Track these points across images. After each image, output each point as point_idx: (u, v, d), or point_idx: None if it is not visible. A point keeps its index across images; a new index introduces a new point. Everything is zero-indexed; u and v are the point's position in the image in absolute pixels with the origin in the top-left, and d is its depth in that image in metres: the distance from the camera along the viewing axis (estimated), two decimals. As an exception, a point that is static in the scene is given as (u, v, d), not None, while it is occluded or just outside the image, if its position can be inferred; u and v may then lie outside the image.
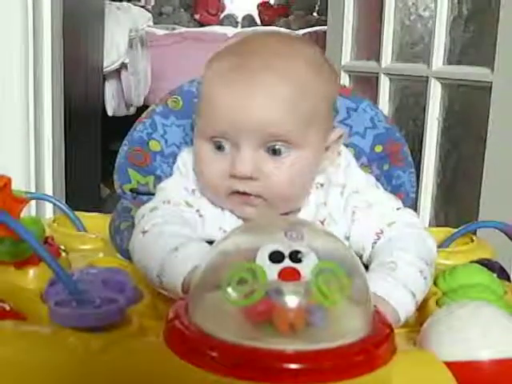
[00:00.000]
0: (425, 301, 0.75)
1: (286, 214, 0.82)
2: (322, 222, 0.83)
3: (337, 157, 0.86)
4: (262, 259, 0.52)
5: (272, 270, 0.52)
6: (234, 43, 0.84)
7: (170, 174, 0.91)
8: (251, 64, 0.77)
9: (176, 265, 0.70)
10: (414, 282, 0.73)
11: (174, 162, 0.91)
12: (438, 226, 1.78)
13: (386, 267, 0.74)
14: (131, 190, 0.96)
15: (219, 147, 0.79)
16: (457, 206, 1.80)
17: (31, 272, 0.75)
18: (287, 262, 0.52)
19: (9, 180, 0.59)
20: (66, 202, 1.85)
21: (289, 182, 0.79)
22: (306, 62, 0.79)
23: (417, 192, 1.76)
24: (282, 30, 3.61)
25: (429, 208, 1.82)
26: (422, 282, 0.74)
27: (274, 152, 0.78)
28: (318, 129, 0.80)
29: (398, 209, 0.84)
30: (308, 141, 0.79)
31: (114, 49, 2.49)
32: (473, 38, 1.72)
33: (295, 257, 0.52)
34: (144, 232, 0.77)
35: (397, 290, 0.71)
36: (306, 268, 0.52)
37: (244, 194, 0.79)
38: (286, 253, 0.53)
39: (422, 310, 0.74)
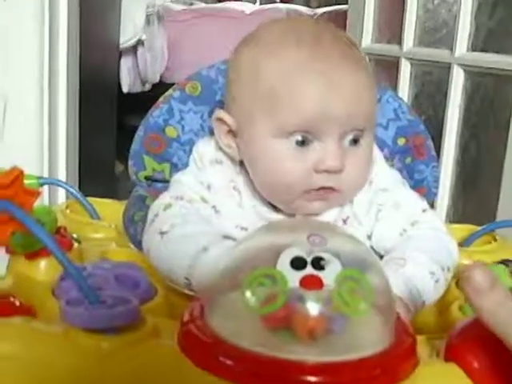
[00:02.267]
0: (446, 305, 0.73)
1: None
2: (345, 221, 0.81)
3: None
4: (284, 265, 0.50)
5: (293, 277, 0.49)
6: (277, 28, 0.80)
7: (187, 162, 0.88)
8: (329, 55, 0.74)
9: (207, 265, 0.68)
10: (421, 281, 0.71)
11: (191, 150, 0.89)
12: (455, 218, 1.77)
13: (394, 262, 0.72)
14: (146, 178, 0.94)
15: (302, 142, 0.75)
16: (476, 197, 1.77)
17: (42, 263, 0.73)
18: (309, 270, 0.50)
19: (21, 172, 0.57)
20: (80, 179, 1.85)
21: (366, 170, 0.79)
22: (358, 48, 0.80)
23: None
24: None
25: (447, 198, 1.80)
26: (431, 285, 0.72)
27: (355, 142, 0.76)
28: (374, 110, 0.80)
29: (424, 210, 0.82)
30: (374, 126, 0.80)
31: (131, 25, 2.47)
32: (499, 25, 1.68)
33: (318, 264, 0.50)
34: (162, 233, 0.74)
35: (403, 286, 0.69)
36: (328, 276, 0.50)
37: (323, 188, 0.76)
38: (309, 259, 0.50)
39: (443, 316, 0.72)
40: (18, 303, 0.64)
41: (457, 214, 1.79)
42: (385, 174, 0.84)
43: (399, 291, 0.68)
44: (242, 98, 0.79)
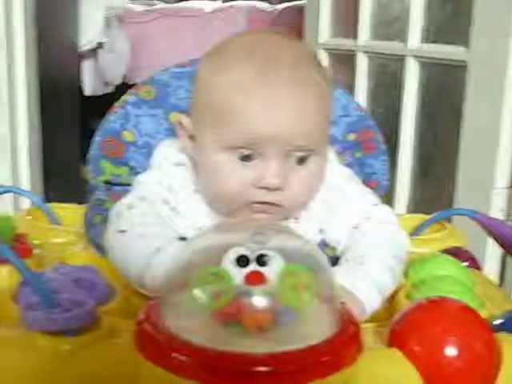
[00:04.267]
0: (394, 293, 0.76)
1: None
2: (297, 218, 0.83)
3: None
4: (228, 263, 0.53)
5: (238, 274, 0.52)
6: (237, 42, 0.81)
7: (145, 165, 0.90)
8: (281, 71, 0.75)
9: (158, 266, 0.70)
10: (381, 277, 0.74)
11: (148, 153, 0.91)
12: (414, 207, 1.80)
13: (355, 261, 0.75)
14: (105, 182, 0.96)
15: (246, 157, 0.76)
16: (434, 187, 1.81)
17: (3, 271, 0.75)
18: (253, 266, 0.53)
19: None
20: (45, 185, 1.85)
21: (310, 189, 0.80)
22: (318, 67, 0.79)
23: (394, 172, 1.78)
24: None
25: (406, 188, 1.83)
26: (390, 279, 0.75)
27: (300, 161, 0.77)
28: (328, 132, 0.82)
29: (374, 204, 0.85)
30: (324, 146, 0.80)
31: (91, 28, 2.46)
32: (449, 17, 1.72)
33: (261, 260, 0.53)
34: (122, 232, 0.76)
35: (364, 284, 0.72)
36: (272, 271, 0.52)
37: (266, 203, 0.77)
38: (252, 256, 0.53)
39: (391, 303, 0.75)
40: (-22, 310, 0.65)
41: (415, 204, 1.82)
42: (335, 171, 0.87)
43: (359, 290, 0.71)
44: (197, 107, 0.81)
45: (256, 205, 0.77)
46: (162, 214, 0.81)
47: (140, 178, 0.87)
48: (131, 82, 2.83)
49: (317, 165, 0.79)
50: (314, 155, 0.78)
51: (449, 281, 0.73)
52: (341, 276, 0.70)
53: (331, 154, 0.89)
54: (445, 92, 1.76)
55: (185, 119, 0.83)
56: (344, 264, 0.77)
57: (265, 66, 0.75)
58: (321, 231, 0.84)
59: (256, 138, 0.74)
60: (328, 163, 0.85)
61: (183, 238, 0.77)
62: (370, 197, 0.87)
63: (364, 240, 0.80)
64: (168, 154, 0.87)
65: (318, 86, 0.77)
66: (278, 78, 0.74)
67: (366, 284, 0.72)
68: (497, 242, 0.91)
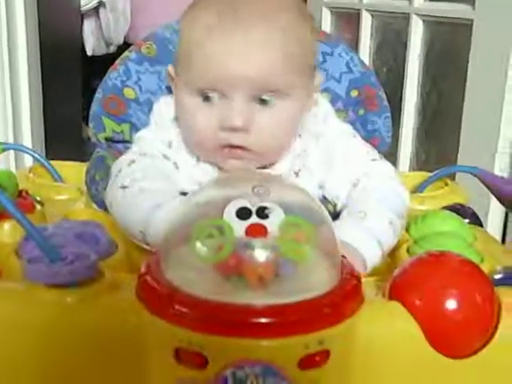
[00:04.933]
0: (396, 249, 0.76)
1: (264, 166, 0.83)
2: (297, 173, 0.83)
3: (314, 106, 0.86)
4: (230, 216, 0.53)
5: (239, 227, 0.52)
6: None
7: (146, 122, 0.90)
8: (244, 14, 0.75)
9: (161, 220, 0.70)
10: (382, 232, 0.74)
11: (149, 110, 0.91)
12: (418, 166, 1.80)
13: (356, 216, 0.76)
14: (106, 139, 0.96)
15: (209, 98, 0.77)
16: (437, 146, 1.81)
17: (6, 226, 0.75)
18: (254, 219, 0.53)
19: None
20: (47, 146, 1.85)
21: (279, 132, 0.79)
22: (295, 11, 0.79)
23: (397, 131, 1.78)
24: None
25: (409, 147, 1.83)
26: (391, 234, 0.75)
27: (264, 102, 0.77)
28: (305, 77, 0.80)
29: (374, 160, 0.85)
30: (296, 90, 0.79)
31: (91, -14, 2.44)
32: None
33: (262, 213, 0.53)
34: (124, 187, 0.77)
35: (364, 238, 0.72)
36: (272, 224, 0.52)
37: (234, 147, 0.78)
38: (253, 209, 0.53)
39: (393, 258, 0.75)
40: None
41: (419, 162, 1.82)
42: (335, 127, 0.87)
43: (360, 244, 0.71)
44: (177, 56, 0.84)
45: (226, 149, 0.78)
46: (163, 168, 0.81)
47: (140, 134, 0.88)
48: (133, 42, 2.81)
49: (286, 109, 0.79)
50: (282, 99, 0.78)
51: (450, 236, 0.73)
52: (341, 231, 0.70)
53: (329, 110, 0.89)
54: (450, 51, 1.75)
55: (171, 69, 0.84)
56: (344, 219, 0.77)
57: (227, 7, 0.76)
58: (320, 187, 0.84)
59: (217, 78, 0.76)
60: (326, 118, 0.86)
61: (184, 193, 0.77)
62: (370, 152, 0.86)
63: (364, 195, 0.80)
64: (166, 110, 0.87)
65: (293, 28, 0.77)
66: (244, 18, 0.75)
67: (367, 238, 0.72)
68: (498, 199, 0.91)
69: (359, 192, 0.81)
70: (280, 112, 0.78)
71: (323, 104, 0.88)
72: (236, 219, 0.53)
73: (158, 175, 0.79)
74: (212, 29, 0.75)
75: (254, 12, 0.76)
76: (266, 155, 0.81)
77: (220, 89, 0.76)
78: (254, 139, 0.77)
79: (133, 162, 0.81)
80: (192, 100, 0.79)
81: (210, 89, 0.77)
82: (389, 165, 0.85)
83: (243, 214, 0.53)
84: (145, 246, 0.74)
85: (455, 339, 0.57)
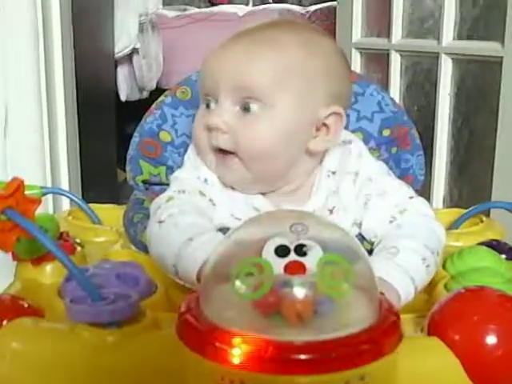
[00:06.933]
0: (433, 285, 0.76)
1: (291, 201, 0.84)
2: (331, 211, 0.84)
3: (347, 145, 0.88)
4: (268, 253, 0.54)
5: (278, 264, 0.53)
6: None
7: (181, 164, 0.92)
8: (252, 36, 0.83)
9: (191, 255, 0.72)
10: (414, 267, 0.74)
11: (184, 152, 0.93)
12: (451, 204, 1.79)
13: (387, 251, 0.76)
14: (143, 182, 0.98)
15: (207, 105, 0.84)
16: (470, 184, 1.80)
17: (48, 268, 0.77)
18: (293, 256, 0.53)
19: (21, 182, 0.60)
20: (83, 189, 1.88)
21: (260, 139, 0.81)
22: (300, 43, 0.83)
23: (430, 170, 1.78)
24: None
25: (442, 185, 1.82)
26: (423, 270, 0.75)
27: (247, 110, 0.81)
28: (295, 93, 0.81)
29: (410, 197, 0.85)
30: (281, 101, 0.80)
31: (125, 34, 2.50)
32: (482, 13, 1.71)
33: (300, 250, 0.54)
34: (160, 222, 0.78)
35: (397, 274, 0.72)
36: (311, 261, 0.53)
37: (220, 151, 0.82)
38: (292, 246, 0.54)
39: (431, 295, 0.75)
40: (26, 305, 0.67)
41: (453, 200, 1.81)
42: (371, 165, 0.88)
43: (393, 279, 0.71)
44: None
45: (218, 153, 0.83)
46: (201, 205, 0.83)
47: (176, 174, 0.90)
48: (165, 87, 2.86)
49: (271, 118, 0.81)
50: (268, 108, 0.80)
51: (487, 272, 0.73)
52: (374, 266, 0.70)
53: (363, 148, 0.90)
54: (480, 88, 1.75)
55: None
56: (376, 255, 0.77)
57: (243, 32, 0.85)
58: (355, 224, 0.85)
59: (209, 84, 0.83)
60: (360, 156, 0.88)
61: (221, 229, 0.78)
62: (405, 189, 0.87)
63: (398, 231, 0.80)
64: None
65: (288, 52, 0.81)
66: (246, 39, 0.83)
67: (400, 273, 0.72)
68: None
69: (394, 228, 0.81)
70: (261, 120, 0.81)
71: (357, 142, 0.90)
72: (275, 257, 0.53)
73: (193, 210, 0.80)
74: (218, 46, 0.84)
75: (262, 34, 0.83)
76: (252, 163, 0.82)
77: (211, 95, 0.83)
78: (236, 143, 0.81)
79: (171, 198, 0.82)
80: (200, 110, 0.86)
81: (208, 94, 0.84)
82: (425, 202, 0.86)
83: (282, 251, 0.53)
84: (178, 281, 0.74)
85: (496, 374, 0.56)
